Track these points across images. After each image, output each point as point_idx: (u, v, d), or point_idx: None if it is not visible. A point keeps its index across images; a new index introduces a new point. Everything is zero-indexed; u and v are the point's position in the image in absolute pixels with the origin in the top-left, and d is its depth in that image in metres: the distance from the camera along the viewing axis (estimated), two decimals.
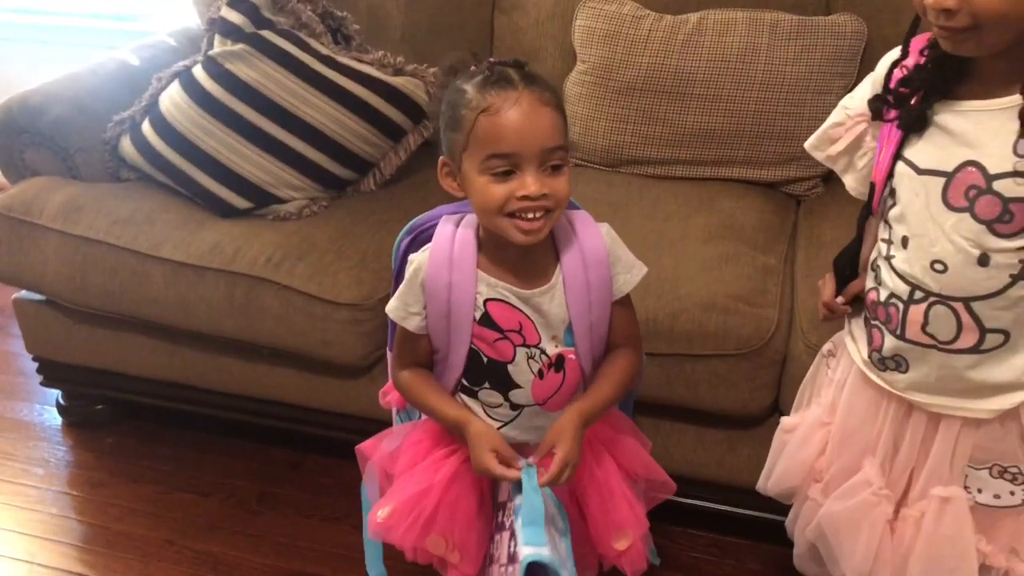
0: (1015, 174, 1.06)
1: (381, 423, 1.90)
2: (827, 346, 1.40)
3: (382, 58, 2.06)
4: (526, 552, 1.15)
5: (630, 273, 1.26)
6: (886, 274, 1.19)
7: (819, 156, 1.31)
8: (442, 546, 1.29)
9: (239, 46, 1.98)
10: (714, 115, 1.96)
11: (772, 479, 1.44)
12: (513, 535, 1.22)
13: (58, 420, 2.23)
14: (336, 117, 1.96)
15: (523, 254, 1.19)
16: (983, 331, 1.13)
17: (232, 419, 2.07)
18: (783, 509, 1.50)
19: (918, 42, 1.14)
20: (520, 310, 1.22)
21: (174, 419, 2.15)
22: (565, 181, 1.14)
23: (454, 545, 1.29)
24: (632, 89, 1.99)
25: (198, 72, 1.99)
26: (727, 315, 1.60)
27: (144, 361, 2.03)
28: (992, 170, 1.07)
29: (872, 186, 1.22)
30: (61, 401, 2.23)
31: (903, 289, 1.16)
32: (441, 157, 1.20)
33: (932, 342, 1.16)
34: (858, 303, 1.30)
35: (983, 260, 1.10)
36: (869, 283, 1.24)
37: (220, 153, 1.94)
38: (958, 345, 1.14)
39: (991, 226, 1.08)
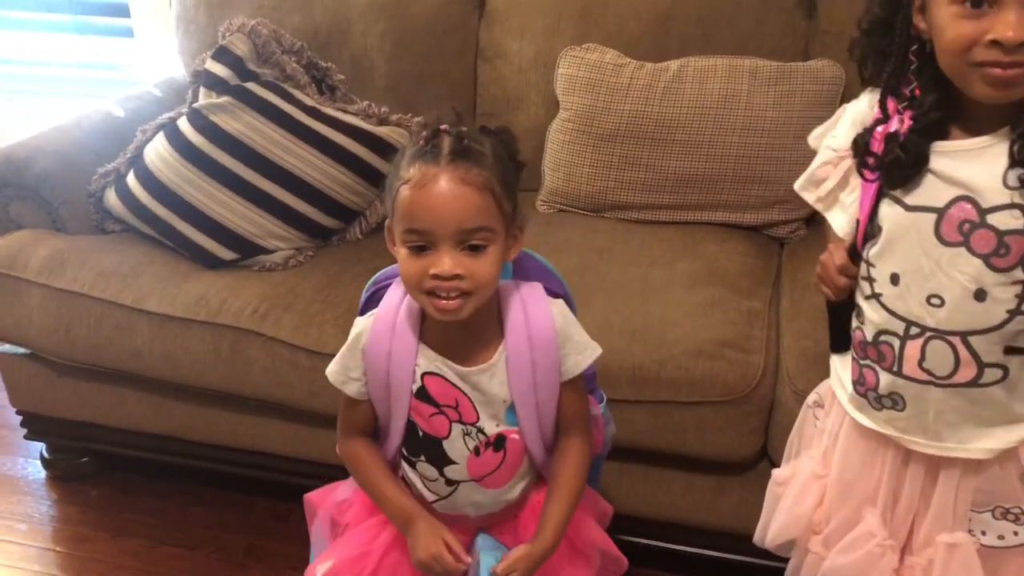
0: (1011, 206, 1.06)
1: None
2: (812, 396, 1.38)
3: (367, 108, 2.07)
4: None
5: (582, 355, 1.21)
6: (872, 313, 1.18)
7: (809, 198, 1.29)
8: None
9: (224, 98, 1.99)
10: (696, 160, 1.98)
11: (770, 534, 1.42)
12: None
13: (42, 474, 2.21)
14: (321, 167, 1.97)
15: (464, 328, 1.15)
16: (981, 366, 1.12)
17: (219, 471, 2.05)
18: (771, 554, 1.49)
19: (891, 102, 1.13)
20: (457, 387, 1.19)
21: (160, 471, 2.13)
22: (489, 262, 1.09)
23: None
24: (614, 136, 2.01)
25: (183, 124, 2.00)
26: (713, 361, 1.61)
27: (129, 413, 2.02)
28: (985, 204, 1.07)
29: (857, 224, 1.20)
30: (45, 454, 2.20)
31: (898, 326, 1.15)
32: (388, 220, 1.18)
33: (929, 378, 1.15)
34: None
35: (980, 295, 1.09)
36: (854, 323, 1.23)
37: (205, 205, 1.94)
38: (956, 380, 1.14)
39: (987, 260, 1.08)
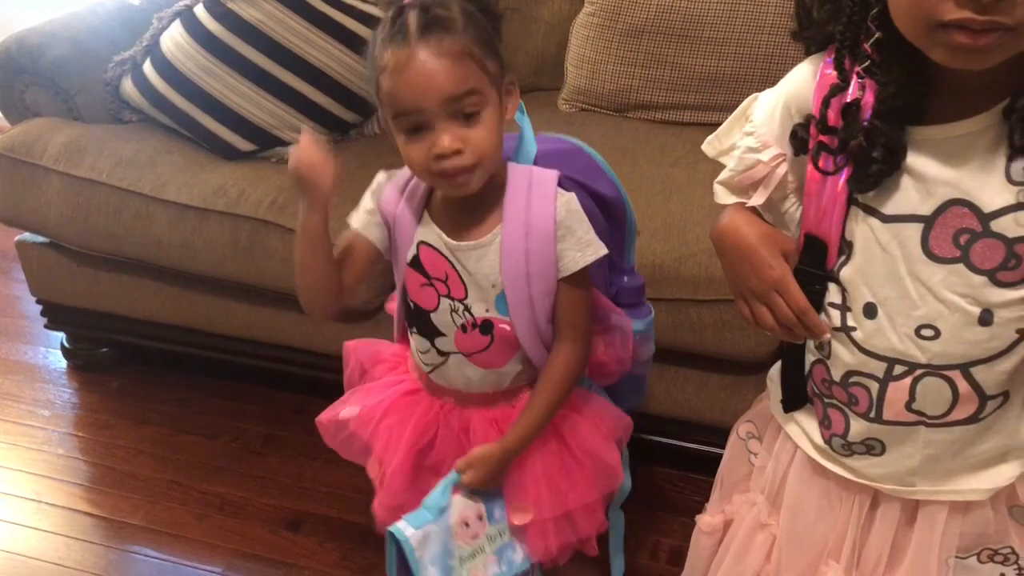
0: (1018, 207, 0.83)
1: None
2: (744, 427, 1.16)
3: None
4: (397, 523, 1.18)
5: (582, 252, 1.15)
6: (841, 348, 0.95)
7: (730, 202, 1.05)
8: (376, 469, 1.29)
9: None
10: (724, 59, 1.93)
11: None
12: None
13: (63, 363, 2.24)
14: (340, 58, 1.93)
15: (466, 202, 1.13)
16: (983, 399, 0.92)
17: (237, 363, 2.07)
18: None
19: (850, 63, 0.88)
20: (448, 259, 1.16)
21: (179, 362, 2.16)
22: (486, 129, 1.06)
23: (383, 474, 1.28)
24: (640, 31, 1.96)
25: (200, 12, 1.96)
26: None
27: (148, 304, 2.03)
28: (987, 207, 0.84)
29: (814, 242, 0.93)
30: (65, 344, 2.23)
31: (876, 367, 0.93)
32: (383, 117, 1.14)
33: (919, 419, 0.94)
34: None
35: (985, 318, 0.88)
36: (811, 356, 1.00)
37: (223, 94, 1.92)
38: (952, 418, 0.93)
39: (993, 276, 0.86)
